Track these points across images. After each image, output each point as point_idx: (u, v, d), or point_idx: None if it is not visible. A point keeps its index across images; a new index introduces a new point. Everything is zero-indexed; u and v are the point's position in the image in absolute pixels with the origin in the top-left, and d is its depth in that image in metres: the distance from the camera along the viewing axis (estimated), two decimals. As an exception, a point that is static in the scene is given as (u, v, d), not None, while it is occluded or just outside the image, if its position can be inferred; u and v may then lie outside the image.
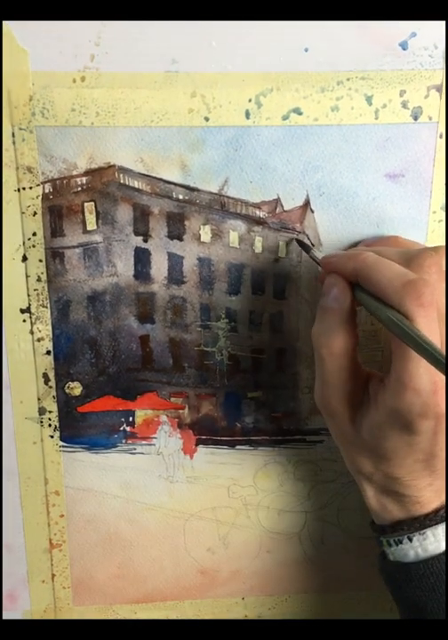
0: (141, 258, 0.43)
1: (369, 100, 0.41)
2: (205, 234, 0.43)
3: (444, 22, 0.39)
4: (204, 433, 0.48)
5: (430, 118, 0.41)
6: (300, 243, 0.43)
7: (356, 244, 0.44)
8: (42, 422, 0.46)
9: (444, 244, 0.44)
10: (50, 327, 0.44)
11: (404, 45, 0.40)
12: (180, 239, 0.43)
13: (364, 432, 0.38)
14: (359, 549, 0.51)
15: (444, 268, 0.36)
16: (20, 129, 0.39)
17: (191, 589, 0.52)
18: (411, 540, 0.39)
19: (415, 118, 0.41)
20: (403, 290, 0.34)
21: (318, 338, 0.38)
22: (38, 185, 0.41)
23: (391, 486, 0.39)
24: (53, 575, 0.50)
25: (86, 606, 0.51)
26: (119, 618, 0.52)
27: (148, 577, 0.51)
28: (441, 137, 0.41)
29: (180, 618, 0.52)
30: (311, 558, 0.52)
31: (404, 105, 0.41)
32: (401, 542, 0.40)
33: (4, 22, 0.37)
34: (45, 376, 0.45)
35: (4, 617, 0.50)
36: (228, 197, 0.42)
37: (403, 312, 0.34)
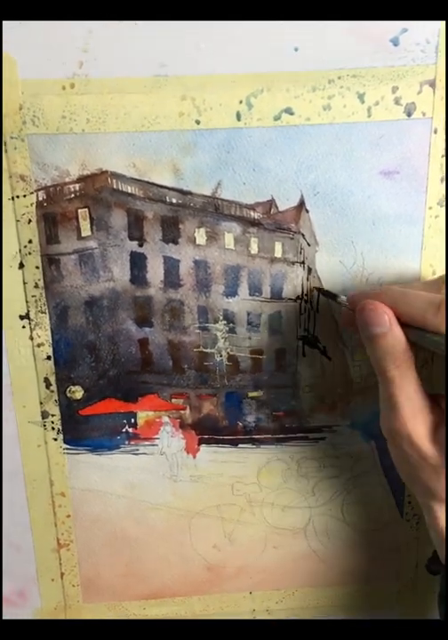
0: (137, 262, 0.43)
1: (361, 97, 0.40)
2: (200, 237, 0.43)
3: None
4: (206, 432, 0.48)
5: (424, 114, 0.41)
6: (324, 292, 0.44)
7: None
8: (45, 425, 0.47)
9: (440, 239, 0.43)
10: (49, 332, 0.44)
11: (395, 41, 0.39)
12: (176, 243, 0.43)
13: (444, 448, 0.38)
14: (364, 542, 0.51)
15: None
16: (12, 137, 0.40)
17: (198, 585, 0.52)
18: None
19: (409, 114, 0.40)
20: (440, 313, 0.35)
21: (381, 362, 0.38)
22: (32, 193, 0.41)
23: None
24: (62, 574, 0.51)
25: (96, 603, 0.52)
26: (128, 614, 0.53)
27: (156, 574, 0.52)
28: (435, 132, 0.41)
29: (187, 612, 0.53)
30: (317, 552, 0.52)
31: (397, 101, 0.40)
32: None
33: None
34: (47, 380, 0.45)
35: (15, 615, 0.52)
36: (221, 200, 0.42)
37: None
